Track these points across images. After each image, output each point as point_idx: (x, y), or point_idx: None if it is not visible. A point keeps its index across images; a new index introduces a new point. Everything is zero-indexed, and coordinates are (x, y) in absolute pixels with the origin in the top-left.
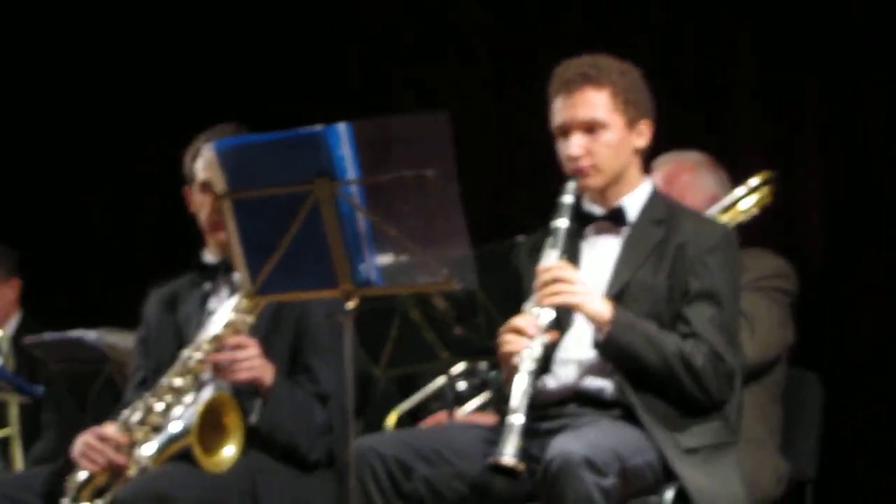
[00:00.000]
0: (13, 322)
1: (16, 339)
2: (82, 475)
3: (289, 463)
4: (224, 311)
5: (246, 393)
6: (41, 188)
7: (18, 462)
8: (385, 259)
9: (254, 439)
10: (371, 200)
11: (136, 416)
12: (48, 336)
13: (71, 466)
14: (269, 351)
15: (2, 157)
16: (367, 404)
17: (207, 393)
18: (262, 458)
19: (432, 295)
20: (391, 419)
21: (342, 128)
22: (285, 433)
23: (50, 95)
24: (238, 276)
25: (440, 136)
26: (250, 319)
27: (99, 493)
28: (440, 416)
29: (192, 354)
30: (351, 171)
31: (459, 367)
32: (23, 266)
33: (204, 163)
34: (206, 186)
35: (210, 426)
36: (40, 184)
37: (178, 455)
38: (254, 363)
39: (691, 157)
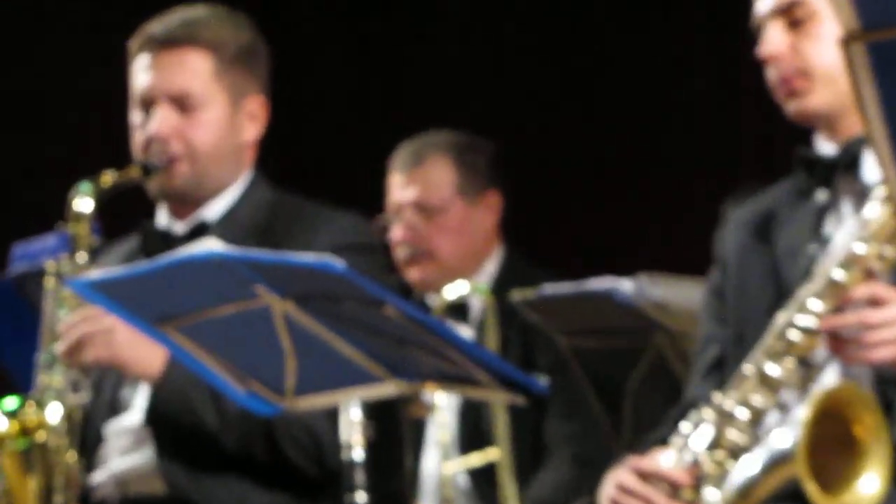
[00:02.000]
0: (492, 266)
1: (497, 293)
2: None
3: None
4: (845, 237)
5: (890, 383)
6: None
7: (511, 502)
8: None
9: None
10: None
11: (706, 433)
12: (551, 289)
13: None
14: None
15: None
16: None
17: (825, 384)
18: None
19: None
20: None
21: None
22: None
23: None
24: (871, 175)
25: None
26: (892, 253)
27: None
28: None
29: (795, 318)
30: None
31: None
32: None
33: None
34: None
35: (831, 442)
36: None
37: (781, 495)
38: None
39: None
